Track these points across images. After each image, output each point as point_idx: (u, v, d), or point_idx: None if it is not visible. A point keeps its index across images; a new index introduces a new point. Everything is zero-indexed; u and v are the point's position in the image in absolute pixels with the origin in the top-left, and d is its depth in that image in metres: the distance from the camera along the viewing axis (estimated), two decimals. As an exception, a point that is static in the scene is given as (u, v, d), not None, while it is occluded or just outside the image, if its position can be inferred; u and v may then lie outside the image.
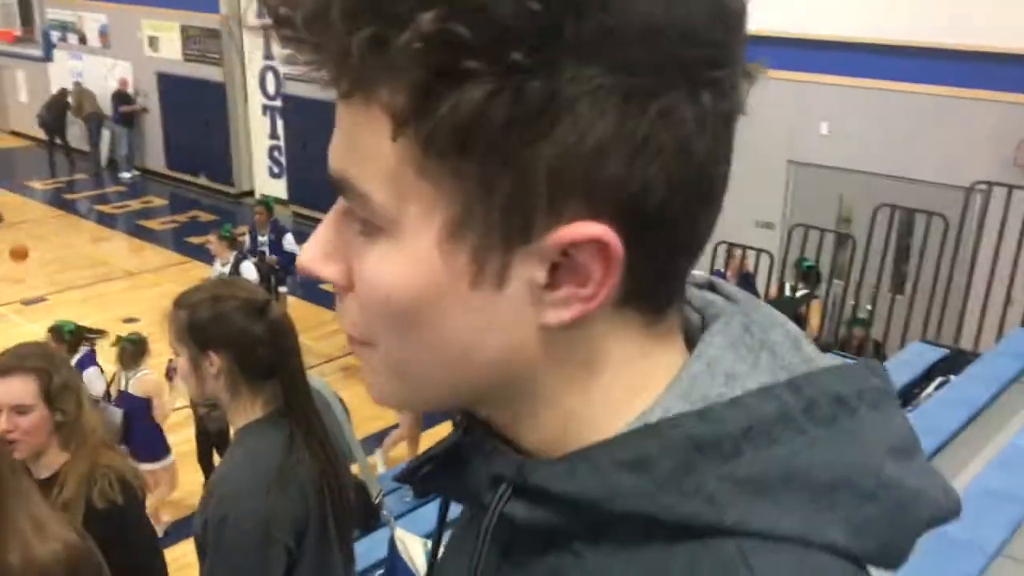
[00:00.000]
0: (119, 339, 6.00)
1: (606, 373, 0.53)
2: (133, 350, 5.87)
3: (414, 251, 0.49)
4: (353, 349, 0.56)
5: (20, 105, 17.89)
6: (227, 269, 7.84)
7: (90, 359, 6.06)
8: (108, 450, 2.09)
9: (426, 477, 0.62)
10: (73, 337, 5.86)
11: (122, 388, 5.92)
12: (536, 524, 0.52)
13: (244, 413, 1.82)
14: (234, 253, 8.05)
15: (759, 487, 0.49)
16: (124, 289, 10.46)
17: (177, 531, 5.61)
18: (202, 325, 1.78)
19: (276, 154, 14.16)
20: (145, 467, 5.56)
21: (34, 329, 8.97)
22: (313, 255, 0.54)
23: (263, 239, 8.82)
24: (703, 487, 0.48)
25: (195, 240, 11.05)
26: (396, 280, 0.50)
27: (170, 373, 5.84)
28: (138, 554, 2.08)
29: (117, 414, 5.43)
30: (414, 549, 2.82)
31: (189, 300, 1.84)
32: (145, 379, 5.88)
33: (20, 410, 1.97)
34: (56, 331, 5.85)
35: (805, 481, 0.49)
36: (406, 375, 0.55)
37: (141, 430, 5.74)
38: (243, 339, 1.78)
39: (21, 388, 1.98)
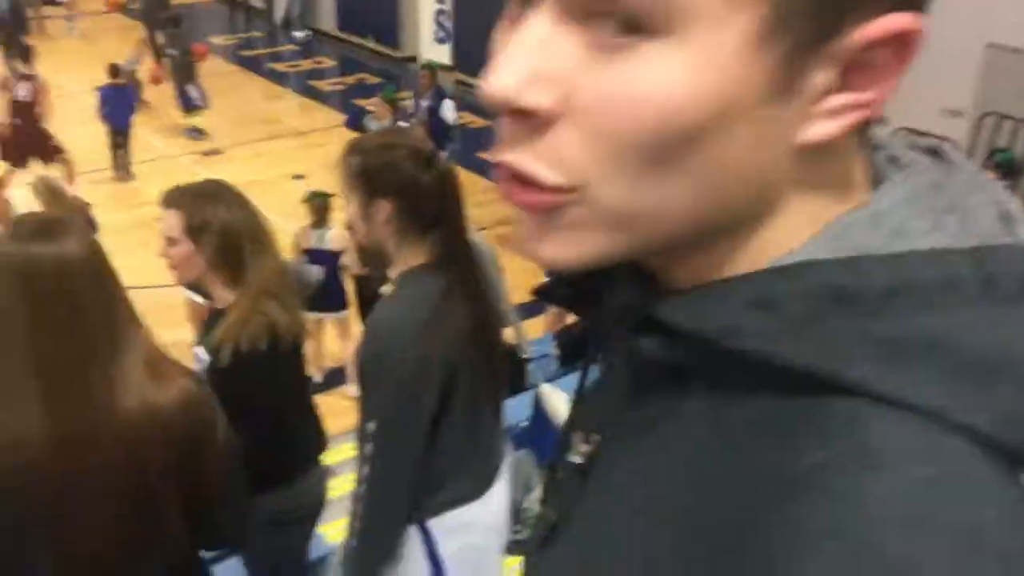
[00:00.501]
0: (311, 195, 5.99)
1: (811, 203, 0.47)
2: (323, 205, 5.91)
3: (710, 55, 0.41)
4: (541, 202, 0.45)
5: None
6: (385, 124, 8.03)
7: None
8: (271, 299, 2.16)
9: (562, 296, 0.60)
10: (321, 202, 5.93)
11: (312, 245, 5.95)
12: (657, 358, 0.48)
13: (408, 260, 1.89)
14: (393, 116, 8.20)
15: (896, 349, 0.42)
16: (294, 147, 10.86)
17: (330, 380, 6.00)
18: (373, 171, 1.83)
19: (442, 19, 14.12)
20: (334, 316, 6.13)
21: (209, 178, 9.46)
22: (517, 76, 0.43)
23: (425, 104, 8.91)
24: (830, 337, 0.43)
25: (361, 102, 11.26)
26: (679, 91, 0.41)
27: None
28: (278, 399, 2.24)
29: (316, 272, 5.35)
30: (558, 403, 2.89)
31: (361, 147, 1.90)
32: (338, 233, 5.89)
33: (169, 241, 2.12)
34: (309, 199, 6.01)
35: (957, 354, 0.42)
36: (633, 220, 0.45)
37: (335, 282, 5.91)
38: (412, 187, 1.83)
39: (168, 221, 2.12)
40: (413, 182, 1.83)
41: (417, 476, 1.88)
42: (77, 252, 1.56)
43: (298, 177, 9.16)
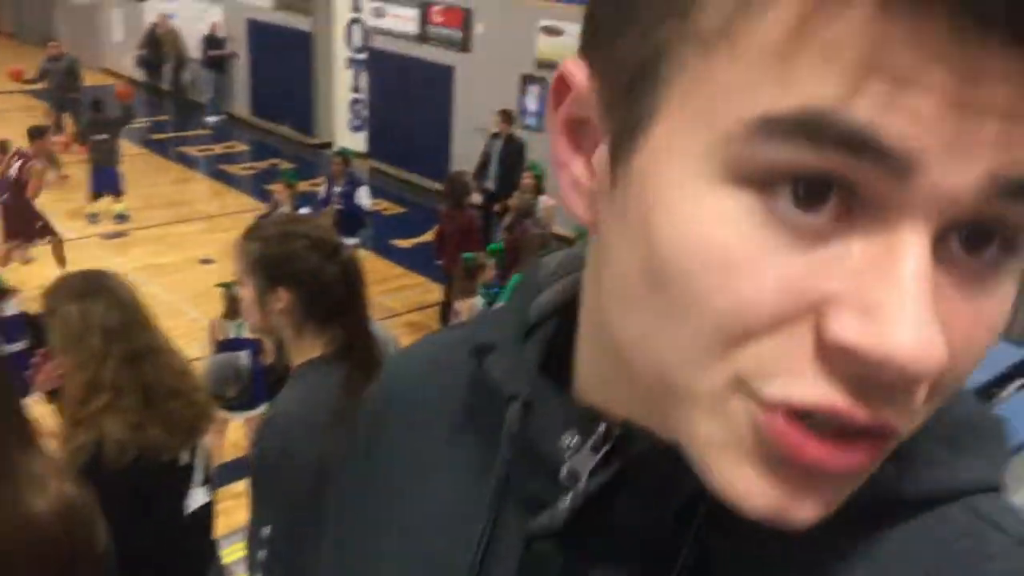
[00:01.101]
0: (224, 285, 5.67)
1: None
2: (237, 295, 5.59)
3: None
4: (872, 458, 0.39)
5: (115, 44, 18.31)
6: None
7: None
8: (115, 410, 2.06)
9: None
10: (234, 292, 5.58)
11: (230, 335, 5.59)
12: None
13: (305, 351, 1.83)
14: (294, 201, 8.20)
15: (955, 442, 0.47)
16: (202, 231, 10.68)
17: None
18: (274, 261, 1.79)
19: (358, 107, 14.26)
20: (246, 414, 5.42)
21: (116, 262, 9.26)
22: (935, 338, 0.34)
23: (338, 190, 8.92)
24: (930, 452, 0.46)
25: (272, 187, 11.21)
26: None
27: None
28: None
29: (244, 356, 5.06)
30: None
31: (261, 233, 1.85)
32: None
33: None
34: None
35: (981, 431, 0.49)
36: None
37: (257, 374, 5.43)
38: (315, 278, 1.79)
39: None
40: (315, 273, 1.80)
41: None
42: None
43: (206, 261, 8.99)
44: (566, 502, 0.47)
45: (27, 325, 5.57)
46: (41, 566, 1.52)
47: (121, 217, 10.78)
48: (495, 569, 0.52)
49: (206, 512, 2.35)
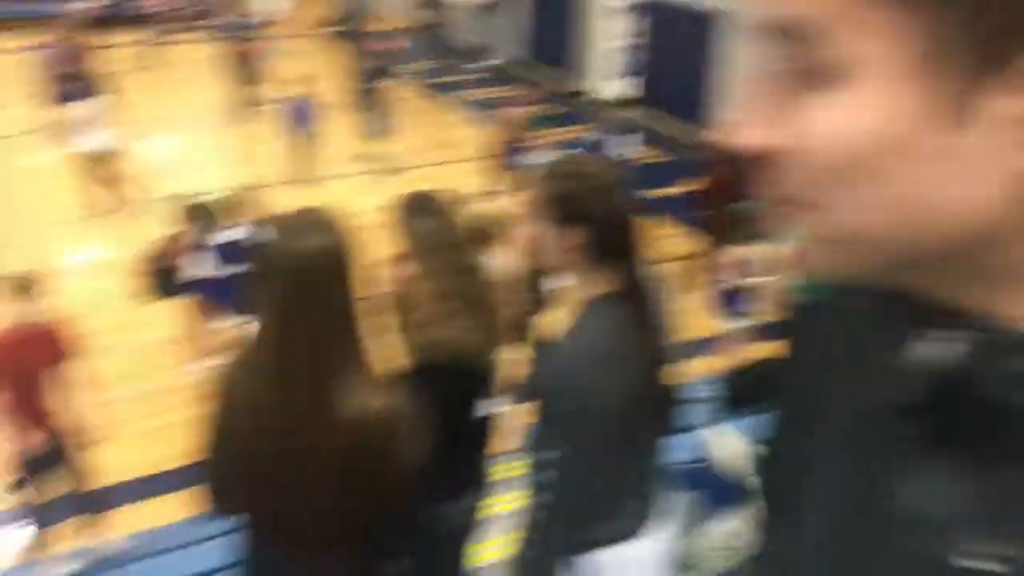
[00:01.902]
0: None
1: None
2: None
3: (874, 94, 0.45)
4: (792, 214, 0.52)
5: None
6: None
7: None
8: (457, 315, 2.32)
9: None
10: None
11: None
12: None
13: (589, 288, 1.86)
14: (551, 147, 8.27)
15: None
16: (470, 171, 11.10)
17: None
18: (571, 198, 1.81)
19: (630, 53, 14.15)
20: None
21: (388, 198, 9.84)
22: (755, 125, 0.50)
23: (604, 137, 8.93)
24: None
25: (506, 115, 11.45)
26: (853, 128, 0.46)
27: None
28: (450, 414, 2.29)
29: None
30: (726, 448, 2.78)
31: (559, 172, 1.88)
32: None
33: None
34: None
35: None
36: (853, 240, 0.50)
37: None
38: (609, 217, 1.81)
39: None
40: (609, 212, 1.81)
41: (588, 510, 1.83)
42: (330, 247, 1.72)
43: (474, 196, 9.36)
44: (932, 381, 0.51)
45: (243, 250, 6.13)
46: (349, 468, 1.70)
47: (386, 160, 11.33)
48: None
49: (489, 424, 2.51)
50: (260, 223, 6.43)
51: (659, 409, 1.93)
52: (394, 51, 12.33)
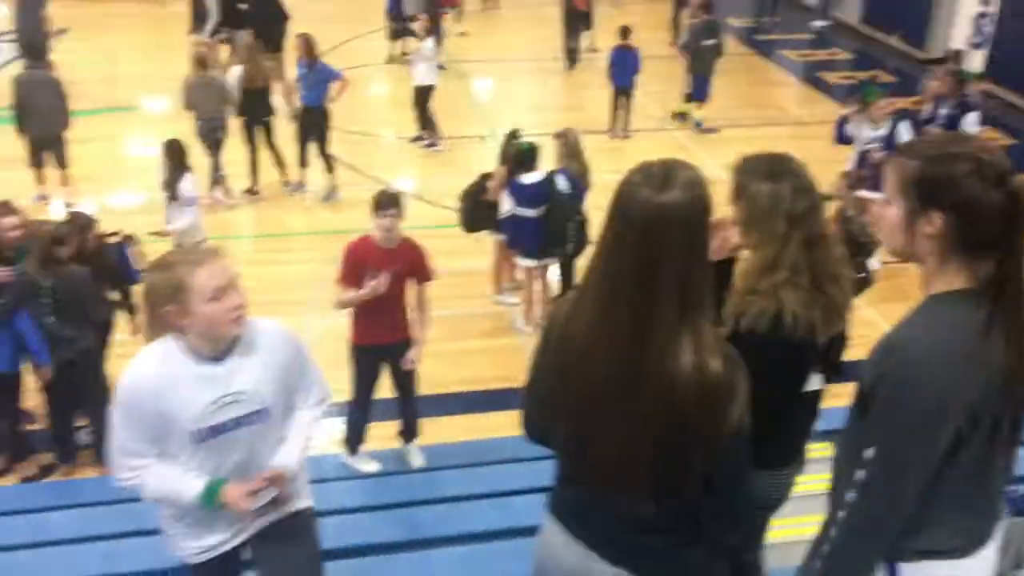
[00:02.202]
0: None
1: None
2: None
3: None
4: None
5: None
6: (881, 133, 7.51)
7: None
8: (796, 287, 2.29)
9: None
10: None
11: None
12: None
13: (947, 280, 1.68)
14: (890, 118, 7.62)
15: None
16: (788, 137, 10.65)
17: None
18: (933, 181, 1.65)
19: (982, 22, 12.80)
20: None
21: (701, 156, 9.73)
22: None
23: (944, 111, 8.16)
24: None
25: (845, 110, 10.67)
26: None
27: None
28: (772, 384, 2.21)
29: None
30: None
31: (921, 152, 1.71)
32: None
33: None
34: None
35: None
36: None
37: None
38: (973, 205, 1.61)
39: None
40: (975, 200, 1.60)
41: (905, 517, 1.72)
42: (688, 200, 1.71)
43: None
44: None
45: (549, 194, 6.23)
46: (672, 420, 1.72)
47: (698, 125, 11.01)
48: None
49: (816, 398, 2.45)
50: (569, 169, 6.62)
51: (1014, 423, 1.73)
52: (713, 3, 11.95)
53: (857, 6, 15.41)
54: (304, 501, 2.73)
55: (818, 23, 15.72)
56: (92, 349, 5.03)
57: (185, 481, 2.44)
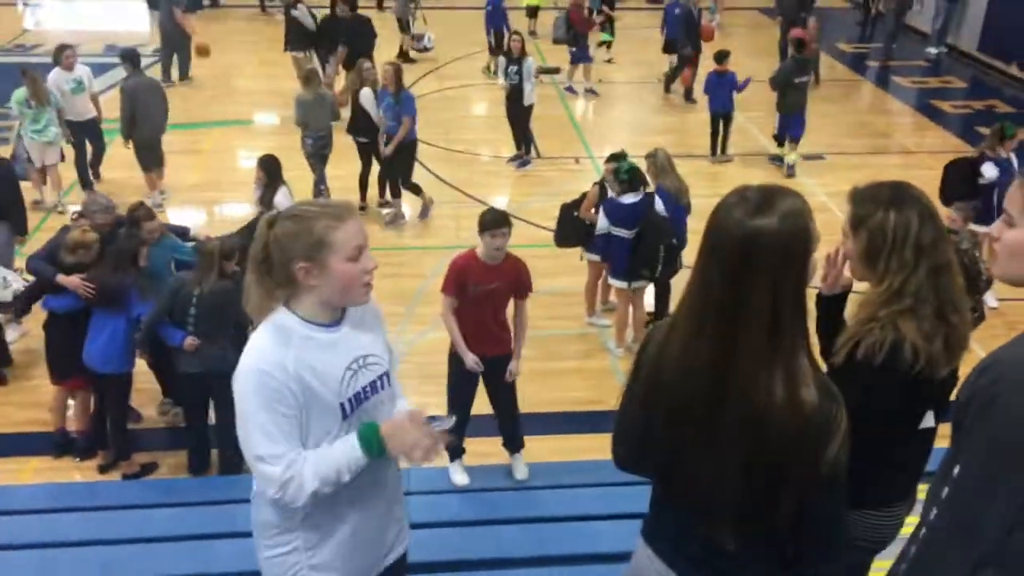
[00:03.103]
0: None
1: None
2: None
3: None
4: None
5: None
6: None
7: None
8: (914, 316, 2.21)
9: None
10: None
11: None
12: None
13: None
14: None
15: None
16: (897, 165, 10.32)
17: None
18: None
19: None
20: None
21: (806, 183, 9.49)
22: None
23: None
24: None
25: (983, 130, 10.25)
26: None
27: None
28: (882, 417, 2.17)
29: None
30: None
31: None
32: None
33: (843, 231, 2.37)
34: None
35: None
36: None
37: None
38: None
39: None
40: None
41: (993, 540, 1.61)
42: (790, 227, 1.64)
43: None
44: None
45: (641, 216, 6.17)
46: (764, 452, 1.66)
47: (791, 168, 10.19)
48: None
49: (930, 436, 2.35)
50: (664, 186, 6.53)
51: None
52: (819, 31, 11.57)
53: (974, 33, 14.86)
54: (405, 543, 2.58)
55: (933, 50, 15.23)
56: (230, 360, 5.07)
57: (338, 449, 2.17)
